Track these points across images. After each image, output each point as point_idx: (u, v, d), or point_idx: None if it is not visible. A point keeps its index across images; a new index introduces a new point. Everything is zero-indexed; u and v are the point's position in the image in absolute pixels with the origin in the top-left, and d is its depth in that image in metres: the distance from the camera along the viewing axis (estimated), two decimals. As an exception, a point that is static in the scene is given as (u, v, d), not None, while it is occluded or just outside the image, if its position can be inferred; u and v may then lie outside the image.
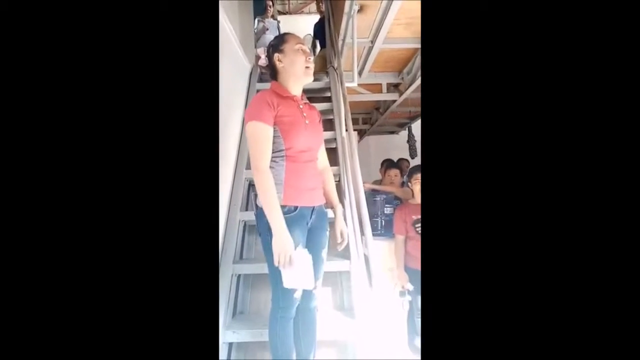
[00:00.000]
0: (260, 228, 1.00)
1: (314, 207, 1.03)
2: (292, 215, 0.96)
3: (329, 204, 1.14)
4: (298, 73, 1.02)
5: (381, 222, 2.53)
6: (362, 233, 1.35)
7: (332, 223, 1.14)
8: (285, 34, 1.08)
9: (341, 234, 1.11)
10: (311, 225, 1.03)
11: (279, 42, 1.04)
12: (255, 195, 1.02)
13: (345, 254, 1.45)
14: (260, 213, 0.99)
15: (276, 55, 1.03)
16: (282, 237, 0.90)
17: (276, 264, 0.90)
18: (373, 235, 1.37)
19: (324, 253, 1.08)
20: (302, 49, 1.02)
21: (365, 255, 1.37)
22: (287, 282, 0.94)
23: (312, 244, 1.03)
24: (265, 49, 1.08)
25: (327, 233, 1.10)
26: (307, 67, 1.02)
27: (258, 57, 1.10)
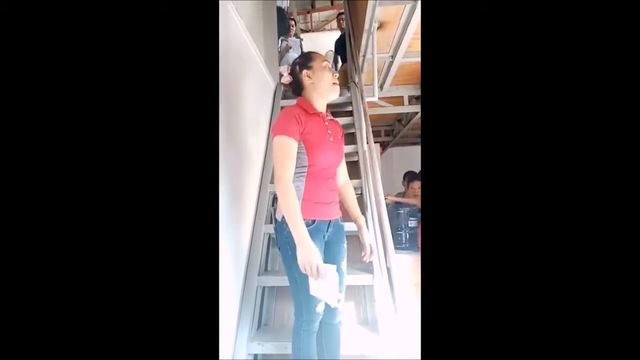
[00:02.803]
0: (280, 242, 1.02)
1: (330, 220, 1.05)
2: (309, 228, 0.98)
3: (352, 218, 1.15)
4: (325, 89, 1.05)
5: (405, 235, 2.49)
6: (385, 247, 1.35)
7: (353, 236, 1.15)
8: (311, 52, 1.12)
9: (369, 246, 1.12)
10: (328, 238, 1.05)
11: (307, 60, 1.08)
12: (275, 210, 1.05)
13: (368, 268, 1.45)
14: (279, 227, 1.01)
15: (304, 72, 1.06)
16: (306, 248, 0.90)
17: (303, 271, 0.91)
18: (397, 249, 1.36)
19: (343, 265, 1.09)
20: (328, 67, 1.07)
21: (388, 268, 1.36)
22: (313, 290, 0.94)
23: (330, 257, 1.05)
24: (288, 66, 1.13)
25: (345, 246, 1.11)
26: (333, 84, 1.06)
27: (281, 75, 1.16)
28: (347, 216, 1.16)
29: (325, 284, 0.93)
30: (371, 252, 1.12)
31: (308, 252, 0.90)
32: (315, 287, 0.94)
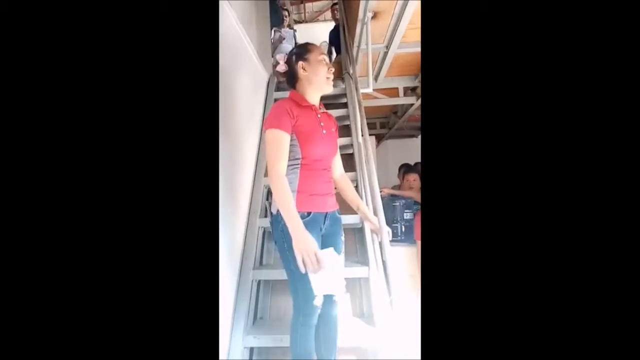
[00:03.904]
0: (276, 235, 1.01)
1: (327, 212, 1.04)
2: (305, 220, 0.97)
3: (354, 207, 1.16)
4: (320, 83, 1.05)
5: (401, 227, 2.50)
6: (380, 239, 1.35)
7: (348, 229, 1.15)
8: (308, 43, 1.10)
9: (375, 228, 1.14)
10: (325, 231, 1.04)
11: (304, 51, 1.06)
12: (270, 203, 1.04)
13: (364, 261, 1.45)
14: (274, 220, 1.01)
15: (300, 63, 1.04)
16: (301, 238, 0.88)
17: (301, 267, 0.87)
18: (393, 241, 1.36)
19: (341, 259, 1.08)
20: (324, 60, 1.05)
21: (383, 261, 1.36)
22: (317, 288, 0.90)
23: None
24: (285, 55, 1.11)
25: (342, 238, 1.10)
26: (328, 78, 1.05)
27: (277, 63, 1.14)
28: (346, 208, 1.15)
29: (328, 273, 0.89)
30: (380, 230, 1.13)
31: (304, 241, 0.88)
32: (318, 282, 0.90)
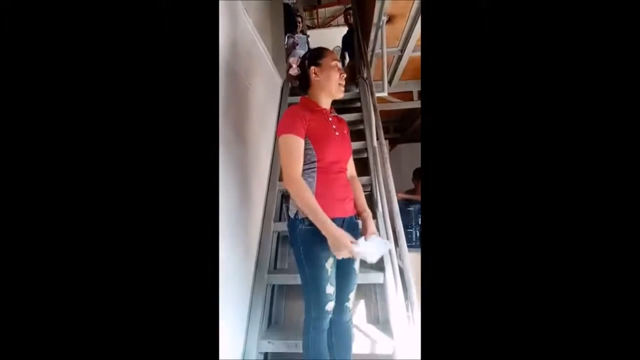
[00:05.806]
0: (292, 239, 1.01)
1: (344, 218, 1.03)
2: None
3: (359, 210, 1.13)
4: (332, 88, 1.04)
5: (416, 233, 2.46)
6: (397, 244, 1.32)
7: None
8: (322, 48, 1.10)
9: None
10: None
11: (317, 56, 1.06)
12: (287, 207, 1.04)
13: (380, 267, 1.43)
14: (292, 224, 1.00)
15: (313, 68, 1.04)
16: (336, 236, 0.90)
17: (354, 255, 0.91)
18: (408, 246, 1.34)
19: (357, 265, 1.07)
20: (337, 66, 1.05)
21: (400, 267, 1.34)
22: (357, 250, 0.93)
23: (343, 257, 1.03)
24: (298, 58, 1.12)
25: None
26: (340, 84, 1.05)
27: (289, 66, 1.14)
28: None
29: (372, 249, 0.94)
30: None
31: (339, 239, 0.90)
32: (363, 250, 0.93)
